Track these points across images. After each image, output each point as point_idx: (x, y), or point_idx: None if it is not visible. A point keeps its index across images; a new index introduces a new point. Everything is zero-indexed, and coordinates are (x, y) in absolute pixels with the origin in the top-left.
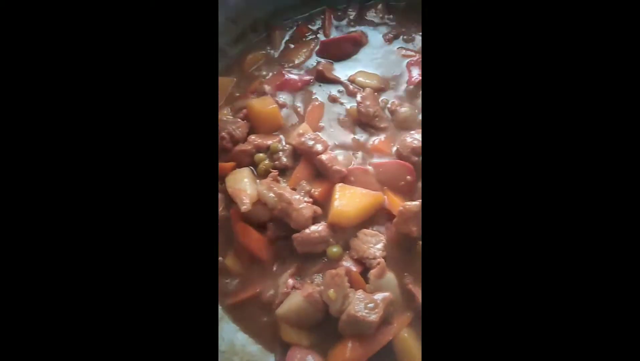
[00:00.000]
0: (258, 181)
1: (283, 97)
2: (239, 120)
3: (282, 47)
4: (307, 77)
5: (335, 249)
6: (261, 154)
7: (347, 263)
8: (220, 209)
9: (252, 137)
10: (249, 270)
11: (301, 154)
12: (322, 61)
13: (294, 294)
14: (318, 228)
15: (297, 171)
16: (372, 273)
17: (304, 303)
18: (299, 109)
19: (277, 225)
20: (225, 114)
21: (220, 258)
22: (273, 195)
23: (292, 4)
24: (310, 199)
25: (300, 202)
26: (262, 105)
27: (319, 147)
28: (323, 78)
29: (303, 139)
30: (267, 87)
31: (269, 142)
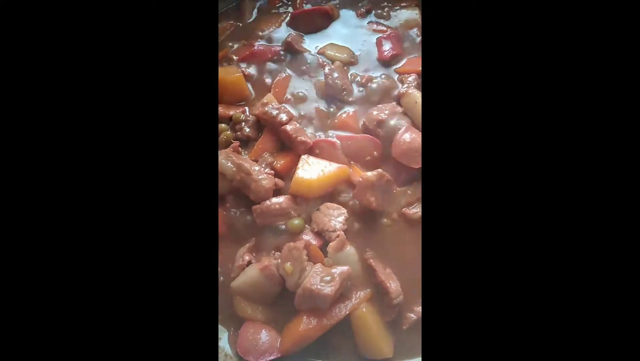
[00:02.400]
0: (219, 152)
1: (250, 69)
2: None
3: (252, 18)
4: (276, 48)
5: (296, 222)
6: (223, 125)
7: (307, 237)
8: None
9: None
10: None
11: (265, 125)
12: (292, 33)
13: (250, 267)
14: (279, 200)
15: (260, 142)
16: (331, 245)
17: (259, 276)
18: (266, 81)
19: (236, 197)
20: None
21: None
22: (232, 165)
23: None
24: (272, 172)
25: (261, 173)
26: (226, 73)
27: (284, 117)
28: (292, 50)
29: (267, 108)
30: (234, 58)
31: (232, 112)
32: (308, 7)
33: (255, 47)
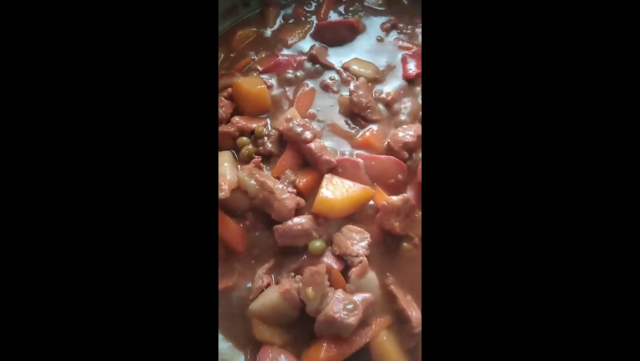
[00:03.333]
0: (239, 166)
1: (273, 80)
2: (223, 99)
3: (275, 26)
4: (302, 58)
5: (318, 244)
6: (245, 138)
7: (328, 260)
8: None
9: (236, 118)
10: (223, 261)
11: (288, 141)
12: (316, 44)
13: (269, 290)
14: (301, 220)
15: (283, 158)
16: (354, 271)
17: (279, 299)
18: (287, 93)
19: (257, 215)
20: None
21: None
22: (254, 183)
23: None
24: (294, 190)
25: (284, 192)
26: (250, 84)
27: (308, 134)
28: (316, 63)
29: (291, 124)
30: (258, 68)
31: (254, 125)
32: (334, 19)
33: (280, 58)
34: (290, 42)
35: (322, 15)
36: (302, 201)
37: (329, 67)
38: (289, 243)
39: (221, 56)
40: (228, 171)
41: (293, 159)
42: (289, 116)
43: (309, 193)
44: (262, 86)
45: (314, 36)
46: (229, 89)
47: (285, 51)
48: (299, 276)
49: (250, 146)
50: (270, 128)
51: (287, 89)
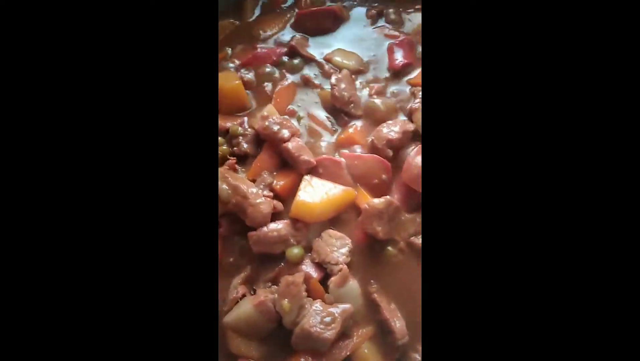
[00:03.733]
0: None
1: (249, 75)
2: None
3: (253, 17)
4: (281, 50)
5: (295, 251)
6: (219, 138)
7: (307, 267)
8: None
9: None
10: None
11: (265, 140)
12: (297, 35)
13: (244, 301)
14: (277, 226)
15: (259, 159)
16: (333, 281)
17: (254, 312)
18: (266, 89)
19: (231, 221)
20: None
21: None
22: (227, 187)
23: None
24: (271, 193)
25: (258, 196)
26: (224, 80)
27: (286, 133)
28: (296, 55)
29: (267, 123)
30: (235, 61)
31: (229, 124)
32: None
33: (258, 51)
34: (269, 33)
35: (303, 4)
36: (279, 205)
37: (310, 59)
38: (265, 250)
39: None
40: None
41: (270, 160)
42: (265, 114)
43: (287, 196)
44: (237, 82)
45: (295, 26)
46: None
47: (263, 44)
48: (275, 287)
49: (224, 147)
50: (246, 127)
51: (265, 84)
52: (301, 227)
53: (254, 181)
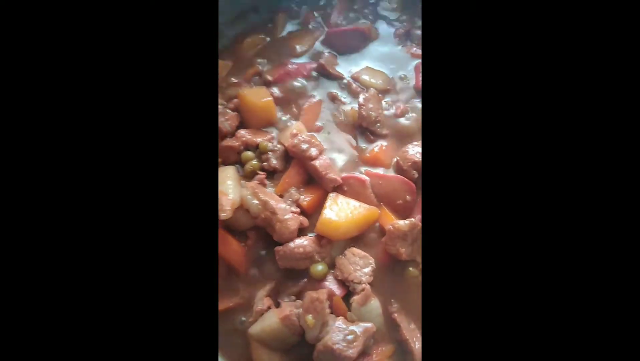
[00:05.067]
0: (242, 182)
1: (279, 90)
2: (229, 111)
3: (283, 33)
4: (311, 66)
5: (320, 268)
6: (249, 153)
7: (330, 284)
8: None
9: (242, 132)
10: (224, 280)
11: (293, 157)
12: (326, 52)
13: (269, 313)
14: (303, 243)
15: (287, 175)
16: (356, 300)
17: (280, 325)
18: (294, 105)
19: (259, 234)
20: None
21: None
22: (257, 202)
23: None
24: (298, 209)
25: (286, 212)
26: (255, 96)
27: (314, 151)
28: (324, 73)
29: (296, 140)
30: (268, 77)
31: (259, 139)
32: (345, 25)
33: (289, 67)
34: (299, 50)
35: (332, 22)
36: (305, 221)
37: (338, 78)
38: (290, 265)
39: (229, 65)
40: (231, 189)
41: (298, 176)
42: (294, 131)
43: (313, 212)
44: (268, 98)
45: (324, 44)
46: (235, 100)
47: (294, 60)
48: (300, 301)
49: (254, 162)
50: (276, 143)
51: (294, 101)
52: (325, 244)
53: (281, 196)
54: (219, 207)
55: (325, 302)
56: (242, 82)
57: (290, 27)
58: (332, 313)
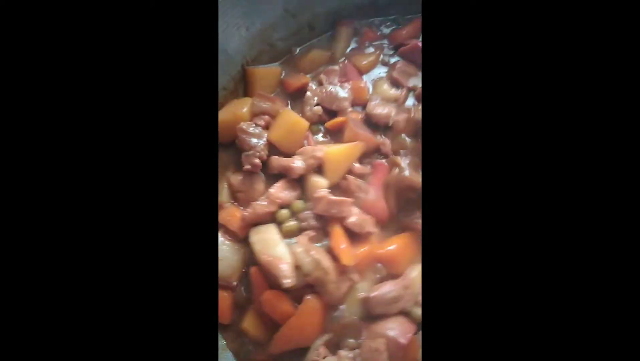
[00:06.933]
0: (294, 240)
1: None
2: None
3: (347, 51)
4: None
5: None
6: (284, 211)
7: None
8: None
9: (273, 191)
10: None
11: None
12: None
13: None
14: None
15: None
16: None
17: None
18: None
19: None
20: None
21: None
22: (310, 260)
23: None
24: None
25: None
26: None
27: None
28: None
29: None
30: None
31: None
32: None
33: None
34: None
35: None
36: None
37: None
38: (381, 311)
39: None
40: (286, 251)
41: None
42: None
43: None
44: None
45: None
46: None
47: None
48: (357, 350)
49: (293, 222)
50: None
51: None
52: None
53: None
54: (280, 275)
55: (384, 352)
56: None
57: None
58: None
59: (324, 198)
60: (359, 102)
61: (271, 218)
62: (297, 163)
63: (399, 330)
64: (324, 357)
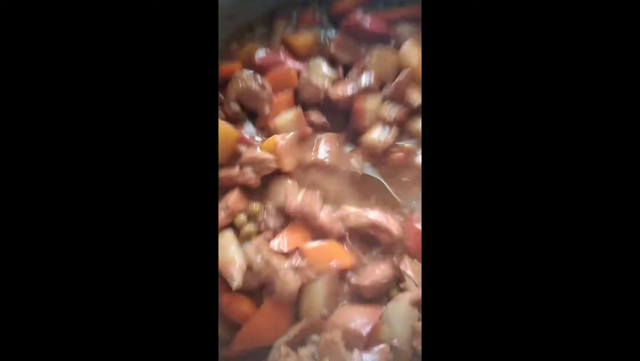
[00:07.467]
0: (249, 243)
1: None
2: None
3: None
4: None
5: None
6: (241, 217)
7: None
8: None
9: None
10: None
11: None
12: None
13: None
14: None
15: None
16: None
17: None
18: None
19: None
20: None
21: None
22: (260, 260)
23: None
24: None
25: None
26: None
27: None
28: None
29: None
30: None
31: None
32: None
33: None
34: None
35: None
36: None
37: None
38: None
39: None
40: (237, 255)
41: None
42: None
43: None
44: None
45: None
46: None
47: None
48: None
49: (251, 227)
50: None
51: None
52: None
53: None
54: (229, 278)
55: (340, 342)
56: None
57: None
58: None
59: (296, 199)
60: (284, 86)
61: (230, 224)
62: (250, 175)
63: (360, 321)
64: (286, 356)
